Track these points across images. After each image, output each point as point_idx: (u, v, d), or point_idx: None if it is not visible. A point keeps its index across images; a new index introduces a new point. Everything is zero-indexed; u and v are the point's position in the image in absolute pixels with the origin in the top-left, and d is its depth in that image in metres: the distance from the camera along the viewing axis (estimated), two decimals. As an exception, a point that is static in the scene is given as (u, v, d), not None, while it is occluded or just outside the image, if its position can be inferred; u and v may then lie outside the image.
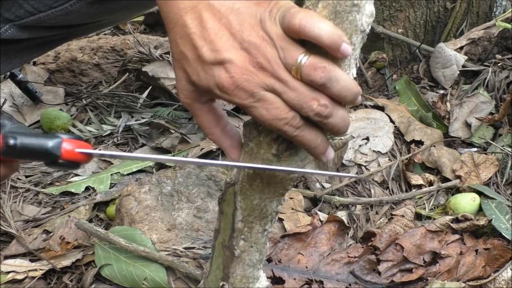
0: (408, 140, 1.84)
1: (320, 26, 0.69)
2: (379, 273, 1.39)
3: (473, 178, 1.69)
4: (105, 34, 2.37)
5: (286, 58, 0.72)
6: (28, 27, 1.43)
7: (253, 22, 0.73)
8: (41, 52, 1.74)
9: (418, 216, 1.63)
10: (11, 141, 0.75)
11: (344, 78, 0.72)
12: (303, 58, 0.71)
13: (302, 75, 0.71)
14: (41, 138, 0.75)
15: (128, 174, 1.70)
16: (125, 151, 1.84)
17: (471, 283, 1.36)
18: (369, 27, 0.73)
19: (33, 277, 1.38)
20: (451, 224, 1.49)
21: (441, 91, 2.04)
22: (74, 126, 1.90)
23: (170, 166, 1.64)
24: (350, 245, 1.48)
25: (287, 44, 0.72)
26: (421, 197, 1.68)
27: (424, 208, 1.65)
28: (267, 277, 1.29)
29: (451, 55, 2.04)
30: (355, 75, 0.75)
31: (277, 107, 0.73)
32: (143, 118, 1.94)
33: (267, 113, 0.73)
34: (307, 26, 0.69)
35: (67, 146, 0.75)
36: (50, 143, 0.75)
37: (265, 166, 0.80)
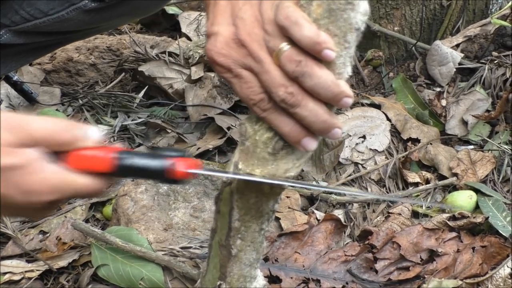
0: (405, 138, 1.84)
1: (301, 32, 0.70)
2: (376, 272, 1.39)
3: (470, 175, 1.69)
4: (101, 34, 2.36)
5: (270, 42, 0.73)
6: (24, 33, 1.42)
7: (255, 2, 0.75)
8: (37, 56, 1.74)
9: (415, 214, 1.63)
10: (127, 161, 0.76)
11: (320, 75, 0.72)
12: (284, 46, 0.72)
13: (280, 62, 0.73)
14: (151, 159, 0.77)
15: (124, 174, 1.69)
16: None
17: (468, 280, 1.36)
18: (364, 25, 0.72)
19: (30, 278, 1.38)
20: (448, 222, 1.49)
21: (438, 89, 2.04)
22: (70, 126, 1.89)
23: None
24: (347, 243, 1.47)
25: (275, 30, 0.73)
26: (418, 195, 1.68)
27: (421, 206, 1.65)
28: (264, 276, 1.28)
29: (448, 52, 2.04)
30: (350, 73, 0.75)
31: (250, 86, 0.75)
32: (139, 117, 1.93)
33: (240, 90, 0.77)
34: (290, 28, 0.71)
35: (180, 167, 0.76)
36: (160, 164, 0.76)
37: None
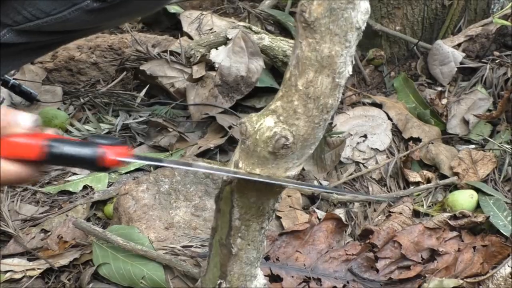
0: (406, 137, 1.84)
1: None
2: (377, 271, 1.39)
3: (471, 175, 1.69)
4: (102, 33, 2.36)
5: None
6: (26, 32, 1.43)
7: None
8: (40, 54, 1.74)
9: (416, 213, 1.63)
10: (55, 150, 0.76)
11: None
12: None
13: None
14: (81, 147, 0.76)
15: (125, 173, 1.70)
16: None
17: (469, 280, 1.36)
18: (365, 24, 0.73)
19: (31, 276, 1.38)
20: (449, 221, 1.49)
21: (439, 88, 2.04)
22: (72, 125, 1.89)
23: (168, 165, 1.64)
24: (348, 242, 1.47)
25: None
26: (419, 194, 1.68)
27: (422, 205, 1.65)
28: (265, 275, 1.29)
29: (449, 52, 2.04)
30: (350, 72, 0.75)
31: None
32: (141, 116, 1.93)
33: None
34: None
35: (109, 154, 0.76)
36: (91, 152, 0.76)
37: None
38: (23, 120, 0.77)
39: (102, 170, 0.78)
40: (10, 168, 0.76)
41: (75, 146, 0.76)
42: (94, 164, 0.76)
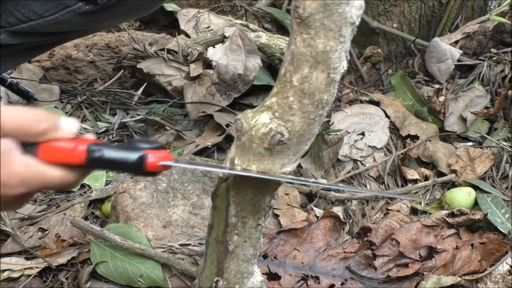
0: (404, 135, 1.84)
1: None
2: (375, 268, 1.39)
3: (469, 172, 1.69)
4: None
5: None
6: (19, 33, 1.42)
7: None
8: (33, 55, 1.73)
9: (414, 211, 1.63)
10: (97, 154, 0.75)
11: None
12: None
13: None
14: (124, 152, 0.76)
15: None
16: (120, 148, 1.83)
17: (467, 277, 1.36)
18: (359, 19, 0.73)
19: (29, 275, 1.38)
20: (447, 219, 1.49)
21: (437, 86, 2.04)
22: (69, 123, 1.89)
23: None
24: (346, 240, 1.48)
25: None
26: (416, 192, 1.68)
27: (420, 203, 1.65)
28: (263, 273, 1.29)
29: (446, 49, 2.04)
30: (345, 68, 0.75)
31: None
32: (138, 115, 1.93)
33: None
34: None
35: (152, 159, 0.76)
36: (134, 156, 0.76)
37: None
38: (66, 125, 0.76)
39: (143, 174, 0.78)
40: (54, 173, 0.75)
41: (115, 150, 0.76)
42: (135, 168, 0.76)
